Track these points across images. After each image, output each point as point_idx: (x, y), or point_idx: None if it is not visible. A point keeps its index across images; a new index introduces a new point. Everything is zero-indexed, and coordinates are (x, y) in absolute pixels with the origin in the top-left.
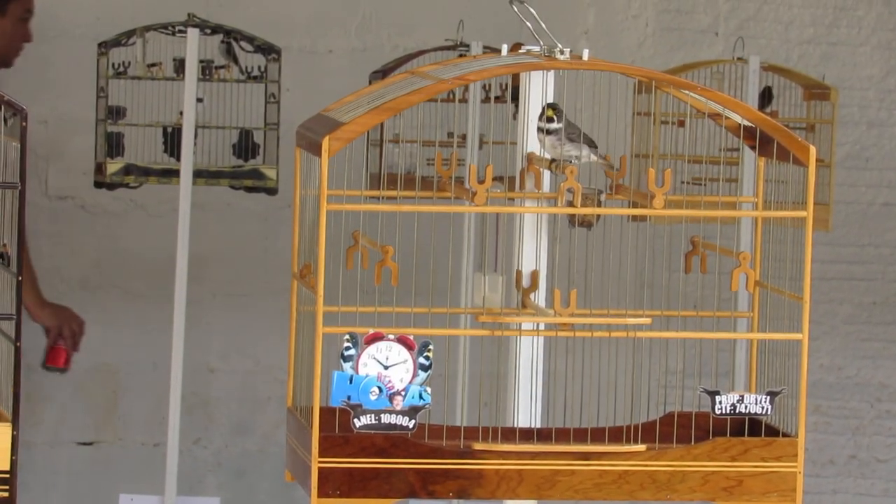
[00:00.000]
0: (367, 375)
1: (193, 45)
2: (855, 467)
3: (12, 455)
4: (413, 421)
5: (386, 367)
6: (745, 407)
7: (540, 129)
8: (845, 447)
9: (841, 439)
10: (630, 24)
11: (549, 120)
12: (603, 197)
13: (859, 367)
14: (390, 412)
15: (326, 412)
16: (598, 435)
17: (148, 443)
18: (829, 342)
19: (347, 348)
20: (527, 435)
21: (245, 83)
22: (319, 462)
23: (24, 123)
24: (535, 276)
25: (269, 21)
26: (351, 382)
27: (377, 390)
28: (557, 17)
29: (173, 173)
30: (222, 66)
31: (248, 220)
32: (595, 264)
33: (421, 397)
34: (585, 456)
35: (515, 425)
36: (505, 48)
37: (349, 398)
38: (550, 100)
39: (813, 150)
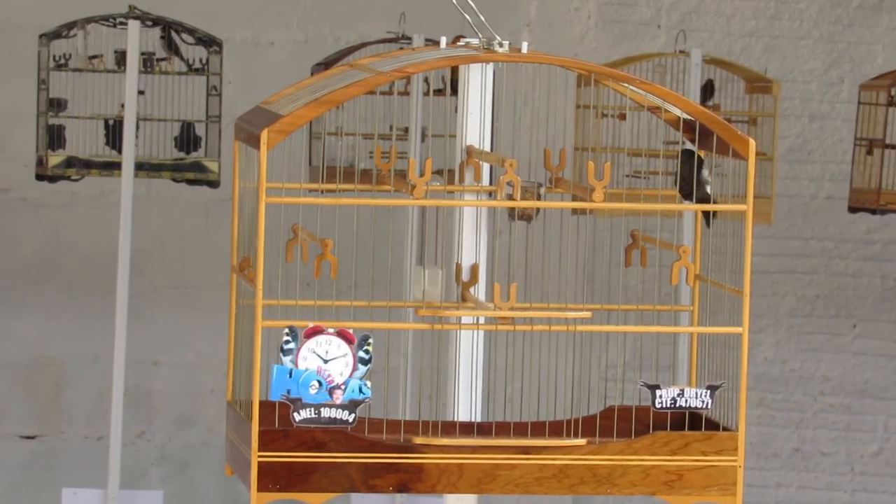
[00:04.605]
0: (306, 369)
1: (135, 38)
2: (799, 460)
3: None
4: (353, 415)
5: (326, 361)
6: (686, 401)
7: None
8: (789, 440)
9: (785, 432)
10: (572, 16)
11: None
12: (543, 190)
13: (803, 361)
14: (330, 406)
15: (266, 406)
16: (538, 429)
17: (91, 436)
18: (773, 335)
19: (287, 342)
20: (467, 429)
21: (187, 76)
22: (259, 456)
23: None
24: (474, 269)
25: (210, 13)
26: (290, 376)
27: (317, 384)
28: (500, 10)
29: (115, 166)
30: (164, 59)
31: (189, 212)
32: (535, 258)
33: (361, 391)
34: (526, 450)
35: (456, 419)
36: (444, 40)
37: (289, 392)
38: (489, 93)
39: (753, 143)
